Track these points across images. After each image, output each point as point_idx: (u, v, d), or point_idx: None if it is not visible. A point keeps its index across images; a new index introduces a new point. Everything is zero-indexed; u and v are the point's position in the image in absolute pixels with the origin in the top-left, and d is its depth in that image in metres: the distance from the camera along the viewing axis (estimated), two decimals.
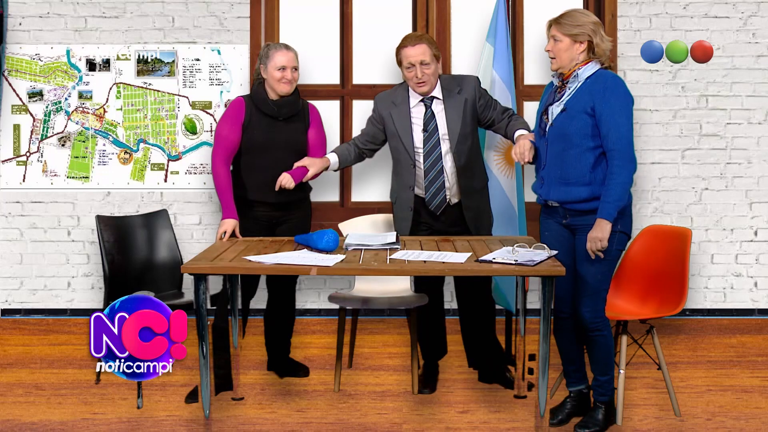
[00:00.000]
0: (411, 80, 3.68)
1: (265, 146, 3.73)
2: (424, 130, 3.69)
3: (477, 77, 3.83)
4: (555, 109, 3.22)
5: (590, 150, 3.14)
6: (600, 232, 3.09)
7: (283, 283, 3.89)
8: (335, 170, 3.92)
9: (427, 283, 3.84)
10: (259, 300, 3.95)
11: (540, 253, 3.08)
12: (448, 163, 3.70)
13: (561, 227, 3.27)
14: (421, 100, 3.73)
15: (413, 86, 3.70)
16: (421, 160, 3.71)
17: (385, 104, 3.79)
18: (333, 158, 3.82)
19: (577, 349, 3.35)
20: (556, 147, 3.20)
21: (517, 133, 3.59)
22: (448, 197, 3.72)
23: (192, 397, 3.55)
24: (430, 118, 3.70)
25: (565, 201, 3.20)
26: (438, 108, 3.71)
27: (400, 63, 3.72)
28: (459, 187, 3.71)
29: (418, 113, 3.73)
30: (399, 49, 3.71)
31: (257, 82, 3.83)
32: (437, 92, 3.73)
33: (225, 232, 3.62)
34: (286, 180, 3.68)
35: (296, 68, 3.77)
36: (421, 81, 3.66)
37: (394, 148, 3.78)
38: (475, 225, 3.75)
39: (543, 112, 3.27)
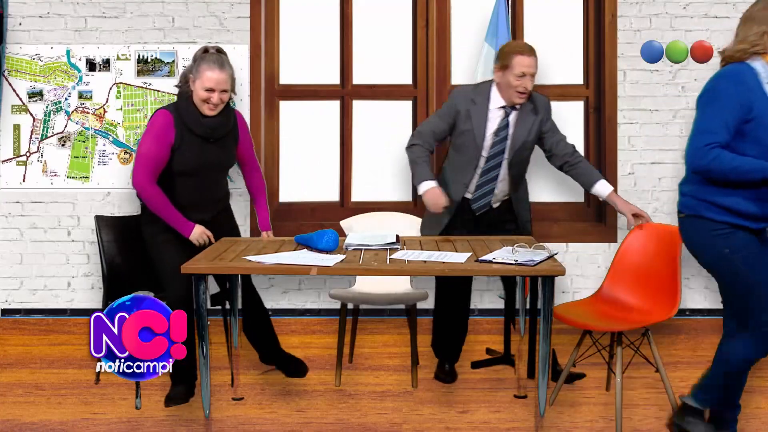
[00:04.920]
0: (515, 88, 3.60)
1: (196, 169, 3.55)
2: (496, 134, 3.68)
3: (548, 99, 3.82)
4: None
5: None
6: None
7: (243, 280, 3.71)
8: None
9: (451, 284, 3.78)
10: (264, 301, 3.93)
11: (540, 253, 3.08)
12: (503, 171, 3.71)
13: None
14: (503, 107, 3.69)
15: (514, 95, 3.63)
16: (483, 163, 3.71)
17: (464, 100, 3.72)
18: (434, 183, 3.66)
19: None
20: None
21: (606, 192, 3.71)
22: (492, 202, 3.76)
23: (172, 400, 3.45)
24: (504, 126, 3.68)
25: None
26: (513, 119, 3.70)
27: (505, 67, 3.61)
28: (504, 194, 3.78)
29: (494, 117, 3.70)
30: (512, 54, 3.60)
31: (185, 94, 3.52)
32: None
33: (202, 235, 3.53)
34: None
35: (226, 90, 3.46)
36: (524, 92, 3.62)
37: (461, 144, 3.73)
38: (515, 225, 3.82)
39: None
